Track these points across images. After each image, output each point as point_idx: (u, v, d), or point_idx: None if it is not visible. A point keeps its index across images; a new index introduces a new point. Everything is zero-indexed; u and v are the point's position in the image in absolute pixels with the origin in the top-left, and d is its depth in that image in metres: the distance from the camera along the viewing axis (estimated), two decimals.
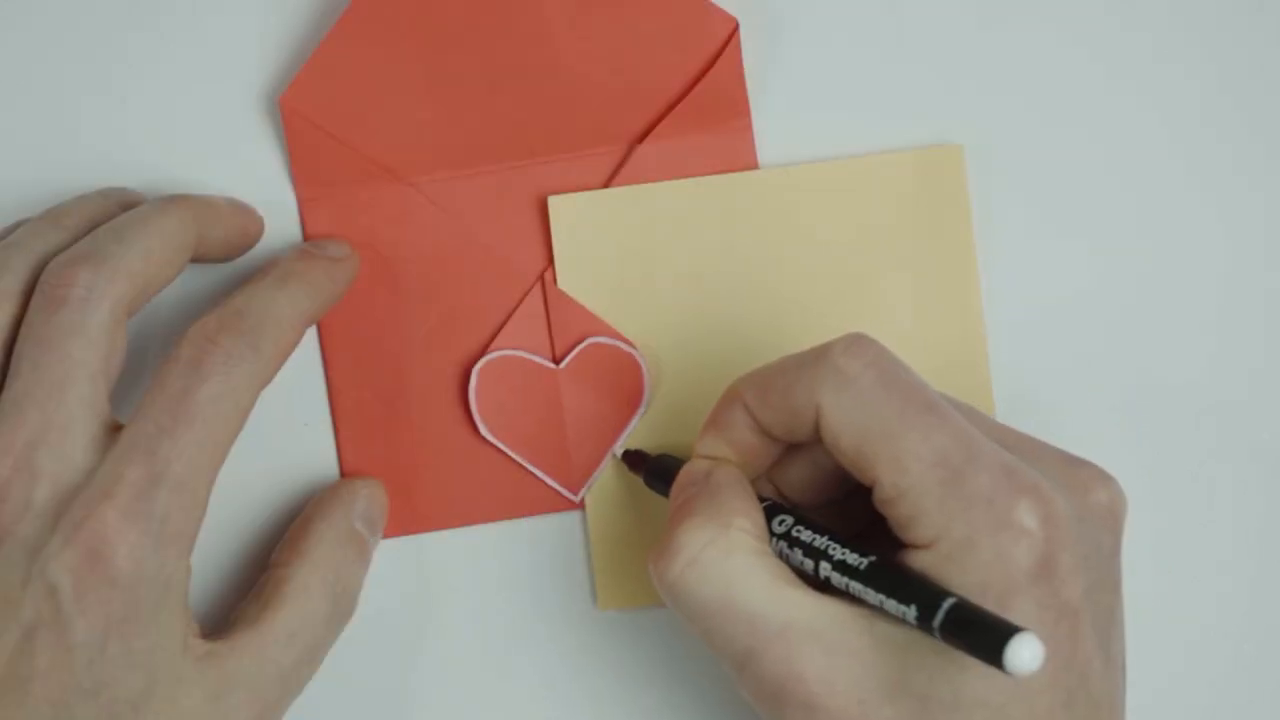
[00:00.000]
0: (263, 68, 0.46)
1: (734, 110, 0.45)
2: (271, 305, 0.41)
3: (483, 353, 0.45)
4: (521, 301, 0.45)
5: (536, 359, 0.45)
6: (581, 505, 0.45)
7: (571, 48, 0.45)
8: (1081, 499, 0.38)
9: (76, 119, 0.46)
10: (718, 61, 0.45)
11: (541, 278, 0.45)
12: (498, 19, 0.44)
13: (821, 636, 0.37)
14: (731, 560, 0.37)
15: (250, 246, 0.45)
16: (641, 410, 0.45)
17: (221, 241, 0.43)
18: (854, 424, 0.37)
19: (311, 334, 0.46)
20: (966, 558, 0.36)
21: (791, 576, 0.38)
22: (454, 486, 0.45)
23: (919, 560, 0.37)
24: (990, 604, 0.35)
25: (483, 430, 0.45)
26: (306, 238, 0.45)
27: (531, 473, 0.45)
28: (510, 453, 0.45)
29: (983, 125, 0.46)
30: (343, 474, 0.45)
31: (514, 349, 0.45)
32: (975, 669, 0.35)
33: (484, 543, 0.46)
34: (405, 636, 0.46)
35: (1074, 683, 0.37)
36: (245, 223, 0.44)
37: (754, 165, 0.45)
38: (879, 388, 0.37)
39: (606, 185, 0.45)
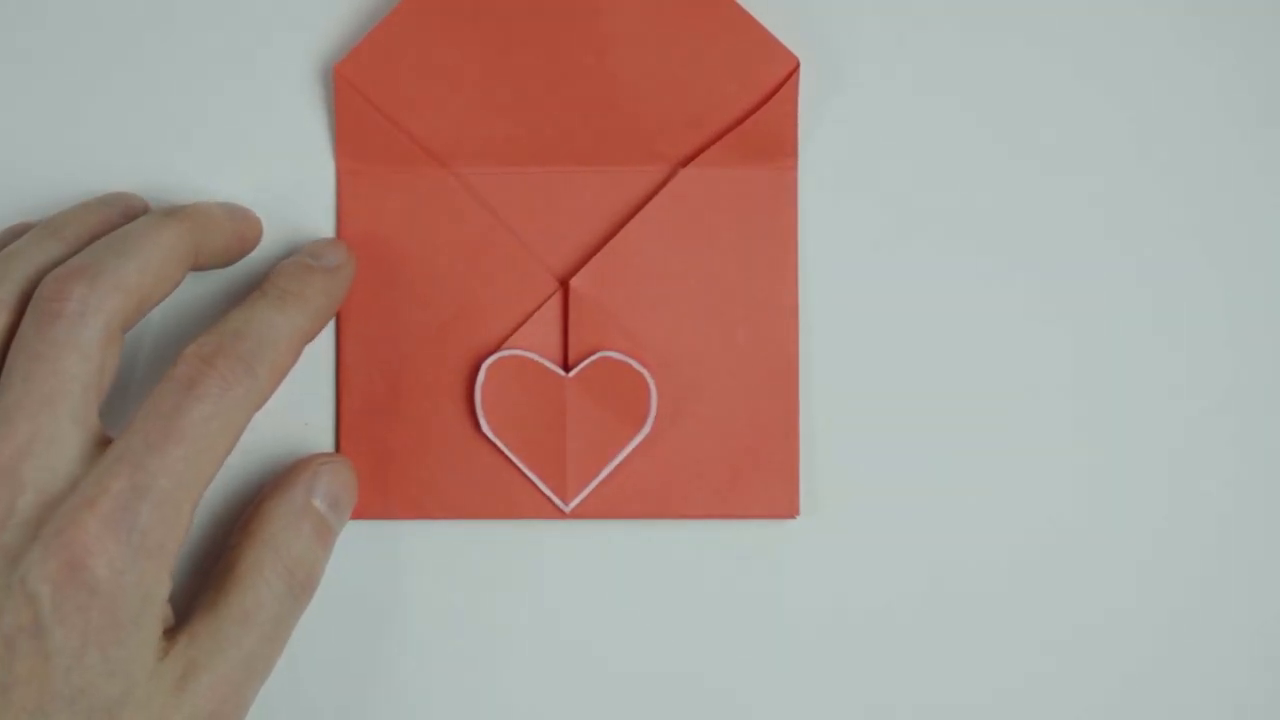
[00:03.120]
0: (324, 33, 0.46)
1: (782, 149, 0.45)
2: (269, 328, 0.41)
3: (495, 349, 0.45)
4: (541, 305, 0.45)
5: (547, 364, 0.45)
6: (571, 515, 0.45)
7: (632, 62, 0.45)
8: None
9: (128, 66, 0.46)
10: (774, 98, 0.45)
11: (565, 284, 0.45)
12: (563, 24, 0.45)
13: None
14: None
15: (248, 251, 0.45)
16: (644, 431, 0.45)
17: (220, 251, 0.43)
18: None
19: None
20: None
21: None
22: (446, 478, 0.45)
23: None
24: None
25: (484, 426, 0.45)
26: (341, 210, 0.45)
27: (525, 476, 0.45)
28: (508, 452, 0.45)
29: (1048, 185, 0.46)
30: (340, 450, 0.45)
31: (526, 350, 0.45)
32: None
33: (465, 538, 0.46)
34: (372, 619, 0.46)
35: None
36: (243, 229, 0.44)
37: (794, 204, 0.45)
38: None
39: (645, 204, 0.45)
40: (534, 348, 0.45)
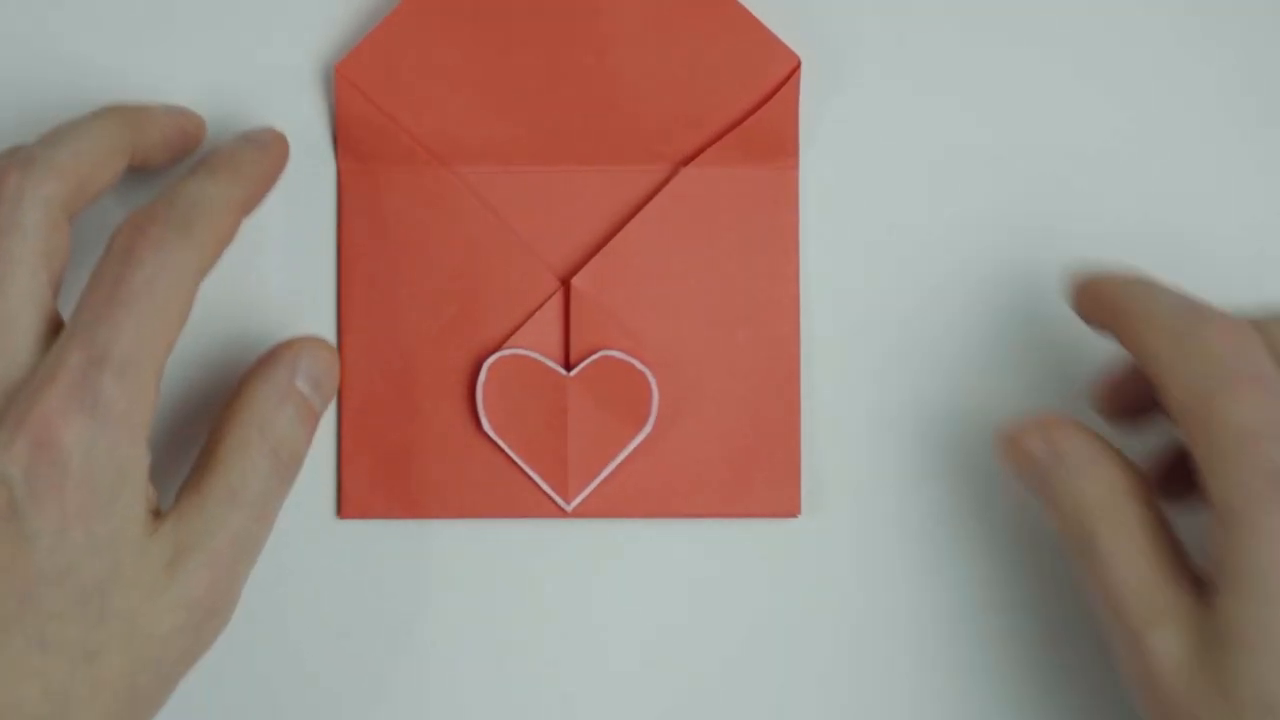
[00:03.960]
0: (324, 33, 0.46)
1: (783, 148, 0.45)
2: (201, 195, 0.41)
3: (496, 348, 0.45)
4: (543, 304, 0.45)
5: (548, 363, 0.45)
6: (572, 515, 0.45)
7: (632, 62, 0.45)
8: None
9: (129, 59, 0.46)
10: (774, 97, 0.45)
11: (566, 283, 0.45)
12: (563, 24, 0.45)
13: None
14: None
15: (193, 149, 0.44)
16: (645, 431, 0.45)
17: (160, 144, 0.43)
18: (1184, 384, 0.38)
19: (329, 310, 0.45)
20: (1245, 532, 0.36)
21: None
22: (447, 477, 0.45)
23: (1211, 529, 0.37)
24: (1276, 587, 0.36)
25: (485, 426, 0.45)
26: (342, 210, 0.45)
27: (527, 475, 0.45)
28: (509, 451, 0.45)
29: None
30: (341, 449, 0.45)
31: (528, 349, 0.45)
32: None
33: (467, 538, 0.46)
34: (372, 619, 0.46)
35: None
36: (183, 123, 0.44)
37: (795, 204, 0.45)
38: (1221, 357, 0.37)
39: (646, 204, 0.45)
40: (535, 347, 0.45)
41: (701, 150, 0.45)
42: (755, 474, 0.45)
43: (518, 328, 0.45)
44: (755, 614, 0.46)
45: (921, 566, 0.46)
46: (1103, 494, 0.39)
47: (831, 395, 0.46)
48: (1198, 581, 0.38)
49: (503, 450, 0.45)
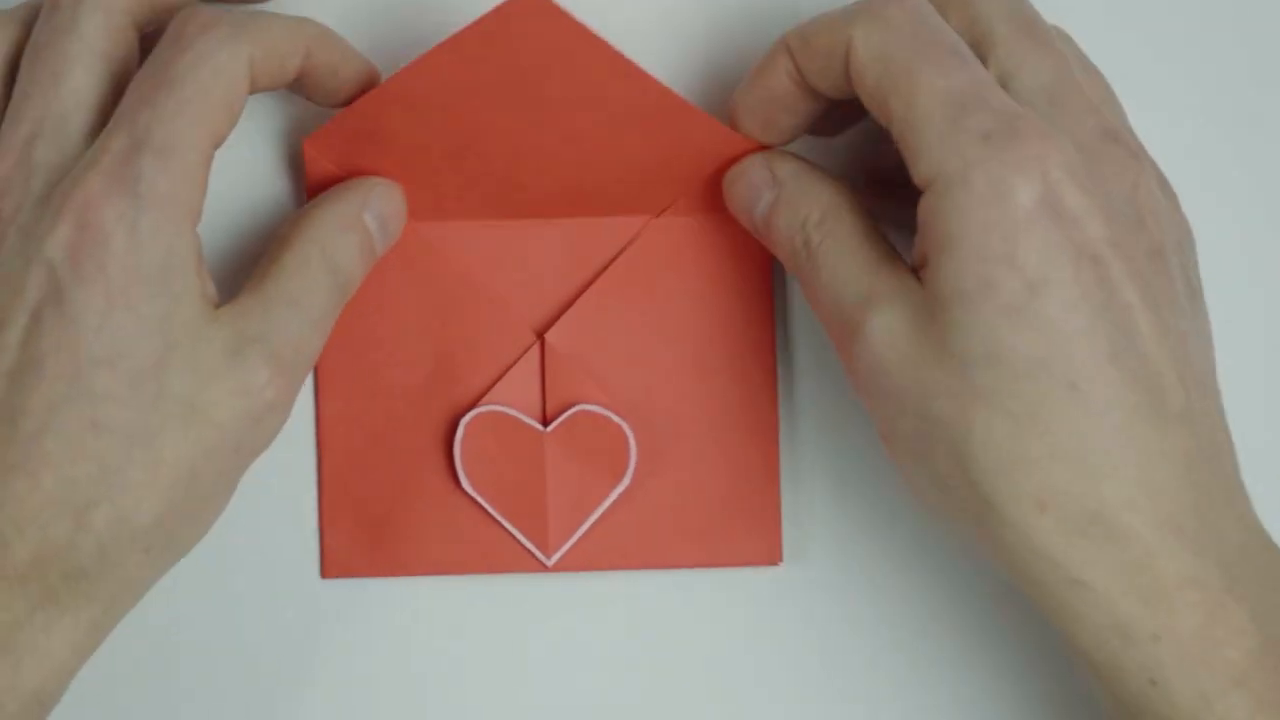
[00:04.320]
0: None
1: None
2: (269, 9, 0.41)
3: (473, 405, 0.45)
4: (518, 360, 0.45)
5: (525, 419, 0.45)
6: (553, 569, 0.45)
7: (600, 150, 0.43)
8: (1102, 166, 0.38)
9: None
10: (745, 149, 0.44)
11: (542, 338, 0.45)
12: (528, 114, 0.42)
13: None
14: None
15: None
16: (624, 483, 0.45)
17: None
18: (878, 59, 0.38)
19: None
20: (961, 193, 0.36)
21: None
22: (428, 534, 0.45)
23: (923, 204, 0.37)
24: (995, 242, 0.36)
25: (464, 482, 0.45)
26: None
27: (507, 530, 0.45)
28: (489, 507, 0.45)
29: None
30: (322, 510, 0.46)
31: (504, 405, 0.45)
32: (1002, 322, 0.36)
33: (449, 594, 0.46)
34: (355, 677, 0.46)
35: (1115, 333, 0.36)
36: None
37: (769, 251, 0.45)
38: (909, 27, 0.38)
39: (619, 256, 0.45)
40: (511, 403, 0.45)
41: (673, 201, 0.45)
42: (736, 523, 0.45)
43: (494, 384, 0.45)
44: (739, 663, 0.46)
45: (905, 614, 0.46)
46: (820, 210, 0.41)
47: (813, 441, 0.46)
48: (912, 272, 0.39)
49: (483, 506, 0.45)
